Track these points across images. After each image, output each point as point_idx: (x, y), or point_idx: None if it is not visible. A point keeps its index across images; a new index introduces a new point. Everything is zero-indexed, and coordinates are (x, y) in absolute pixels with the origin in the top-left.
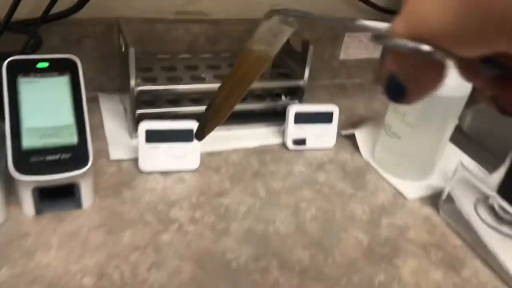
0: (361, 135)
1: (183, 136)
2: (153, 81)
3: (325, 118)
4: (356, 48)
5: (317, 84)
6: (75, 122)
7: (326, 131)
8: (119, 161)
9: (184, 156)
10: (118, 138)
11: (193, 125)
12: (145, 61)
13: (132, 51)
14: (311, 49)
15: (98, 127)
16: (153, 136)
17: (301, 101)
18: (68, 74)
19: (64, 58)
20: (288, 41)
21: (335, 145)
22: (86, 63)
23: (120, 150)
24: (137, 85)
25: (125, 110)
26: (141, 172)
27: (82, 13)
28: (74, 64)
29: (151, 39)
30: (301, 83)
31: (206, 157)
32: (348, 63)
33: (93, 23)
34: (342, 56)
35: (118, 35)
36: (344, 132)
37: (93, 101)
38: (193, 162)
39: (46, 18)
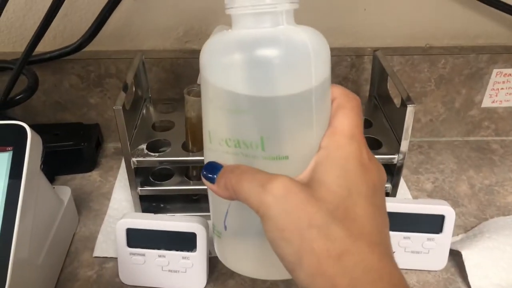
0: (476, 255)
1: (182, 241)
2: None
3: (428, 224)
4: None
5: (441, 141)
6: (0, 228)
7: (429, 245)
8: (104, 260)
9: (184, 271)
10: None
11: (196, 227)
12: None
13: (119, 110)
14: (410, 110)
15: (105, 198)
16: (138, 239)
17: (395, 186)
18: (11, 149)
19: (9, 125)
20: (386, 88)
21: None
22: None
23: (111, 243)
24: (137, 155)
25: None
26: (122, 285)
27: (98, 46)
28: (21, 134)
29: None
30: (394, 159)
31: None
32: (494, 112)
33: (115, 58)
34: (485, 103)
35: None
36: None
37: (116, 156)
38: (196, 281)
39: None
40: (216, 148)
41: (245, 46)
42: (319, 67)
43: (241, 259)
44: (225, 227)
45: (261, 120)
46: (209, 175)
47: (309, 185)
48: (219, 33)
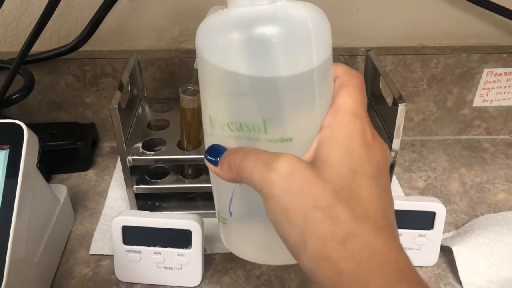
0: (466, 251)
1: (177, 238)
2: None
3: (419, 220)
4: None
5: (433, 140)
6: None
7: (420, 241)
8: (100, 258)
9: (179, 267)
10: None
11: (192, 224)
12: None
13: (115, 109)
14: (401, 108)
15: (101, 197)
16: (134, 236)
17: None
18: (8, 147)
19: (6, 124)
20: (379, 87)
21: (437, 263)
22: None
23: (106, 241)
24: (133, 153)
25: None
26: (118, 282)
27: (94, 45)
28: (18, 132)
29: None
30: None
31: (222, 262)
32: (485, 111)
33: (111, 58)
34: (477, 102)
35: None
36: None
37: (112, 155)
38: (192, 277)
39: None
40: (218, 133)
41: (243, 24)
42: (320, 43)
43: (247, 245)
44: (230, 213)
45: (263, 101)
46: (212, 158)
47: (313, 165)
48: (215, 13)
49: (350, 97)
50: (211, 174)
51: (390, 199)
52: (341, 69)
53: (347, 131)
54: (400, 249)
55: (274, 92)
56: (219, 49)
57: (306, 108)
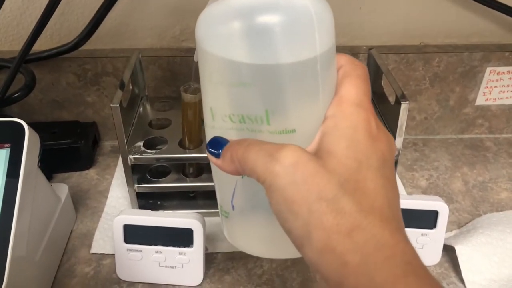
0: (469, 250)
1: (178, 237)
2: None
3: (422, 219)
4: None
5: (435, 139)
6: None
7: (423, 240)
8: (101, 257)
9: (181, 266)
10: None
11: (193, 223)
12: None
13: (116, 108)
14: (404, 107)
15: (102, 196)
16: (135, 235)
17: None
18: (9, 146)
19: (7, 122)
20: (381, 86)
21: (439, 262)
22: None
23: (108, 240)
24: (134, 152)
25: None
26: (119, 280)
27: (95, 44)
28: (19, 131)
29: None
30: None
31: (223, 261)
32: (488, 110)
33: (112, 56)
34: (479, 100)
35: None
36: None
37: (113, 154)
38: (193, 276)
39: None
40: (219, 125)
41: (243, 13)
42: (323, 32)
43: (250, 239)
44: (233, 207)
45: (265, 91)
46: (214, 150)
47: (317, 156)
48: (214, 3)
49: (354, 87)
50: (213, 167)
51: (395, 191)
52: (344, 59)
53: (351, 122)
54: (406, 241)
55: (277, 81)
56: (219, 38)
57: (309, 98)
